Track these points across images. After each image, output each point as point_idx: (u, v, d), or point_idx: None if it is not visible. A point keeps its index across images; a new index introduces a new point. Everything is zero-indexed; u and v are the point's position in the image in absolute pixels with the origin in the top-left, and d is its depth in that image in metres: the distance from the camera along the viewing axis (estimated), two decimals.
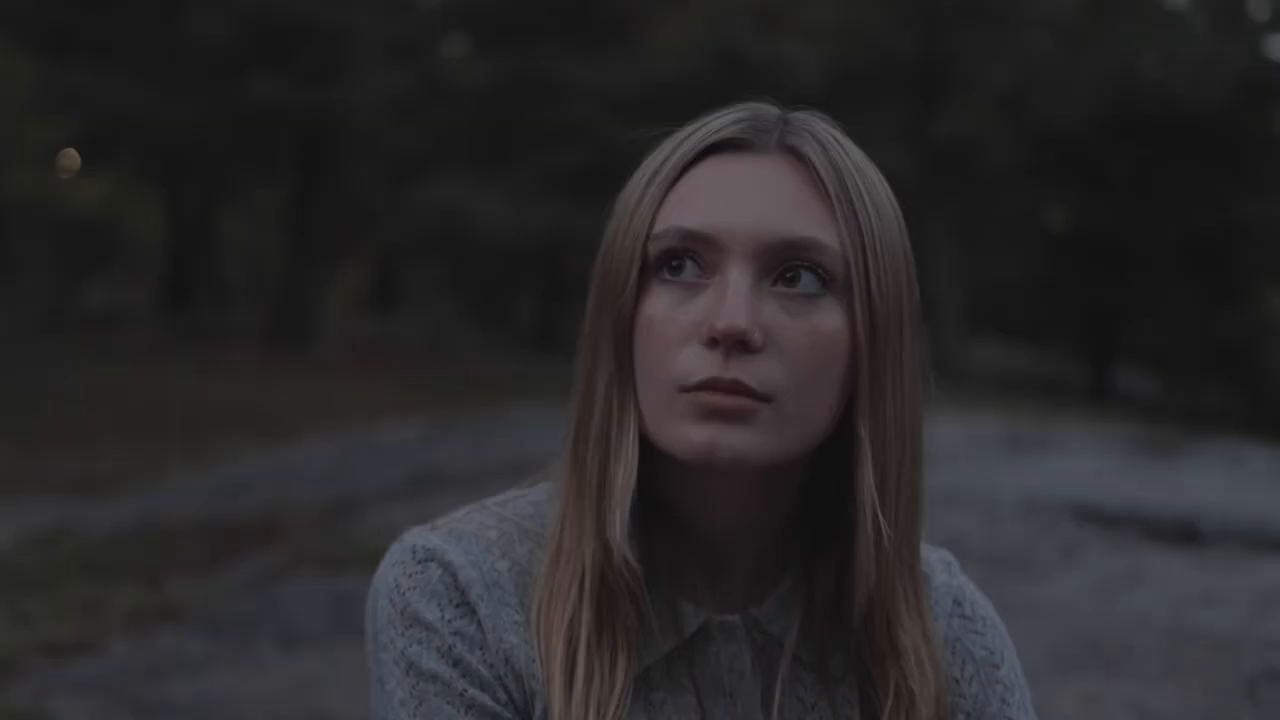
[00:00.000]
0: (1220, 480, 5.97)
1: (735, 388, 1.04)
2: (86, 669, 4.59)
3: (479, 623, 1.12)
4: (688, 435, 1.06)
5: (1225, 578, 4.34)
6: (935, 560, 1.26)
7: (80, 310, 28.78)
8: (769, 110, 1.16)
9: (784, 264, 1.07)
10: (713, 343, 1.05)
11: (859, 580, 1.10)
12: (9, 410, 14.05)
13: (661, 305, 1.09)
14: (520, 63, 24.74)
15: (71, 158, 26.51)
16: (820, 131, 1.13)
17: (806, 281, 1.07)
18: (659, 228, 1.10)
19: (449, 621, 1.12)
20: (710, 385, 1.05)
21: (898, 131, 25.47)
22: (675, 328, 1.07)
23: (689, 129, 1.16)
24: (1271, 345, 27.32)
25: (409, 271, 35.99)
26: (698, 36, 24.88)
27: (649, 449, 1.11)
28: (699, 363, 1.05)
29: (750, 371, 1.04)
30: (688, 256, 1.09)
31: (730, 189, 1.09)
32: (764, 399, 1.05)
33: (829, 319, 1.07)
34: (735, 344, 1.04)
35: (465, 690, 1.11)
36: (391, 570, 1.15)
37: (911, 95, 26.21)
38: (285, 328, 23.80)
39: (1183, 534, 4.92)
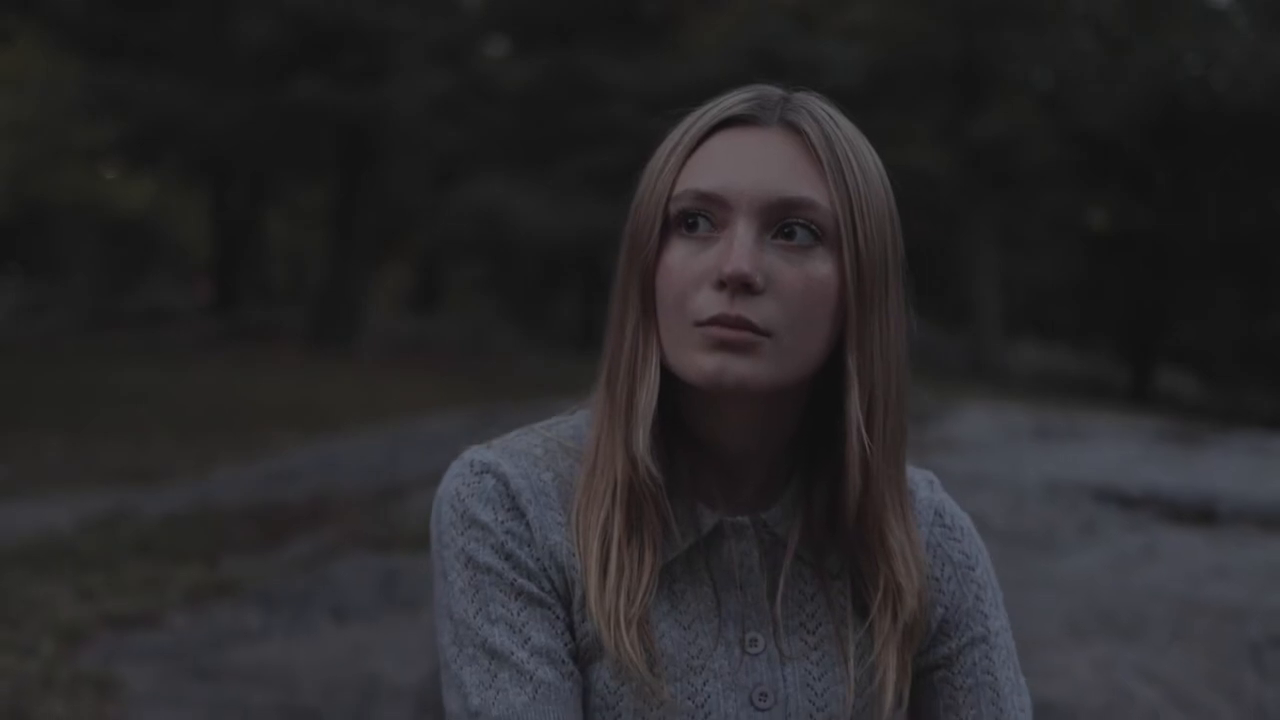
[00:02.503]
0: (1240, 466, 6.12)
1: (740, 323, 1.23)
2: (149, 639, 4.82)
3: (527, 524, 1.31)
4: (700, 363, 1.25)
5: (1237, 553, 4.51)
6: (919, 478, 1.44)
7: (127, 309, 29.13)
8: (773, 91, 1.36)
9: (782, 220, 1.27)
10: (721, 285, 1.24)
11: (848, 489, 1.29)
12: (62, 406, 14.36)
13: (679, 255, 1.28)
14: (560, 63, 24.92)
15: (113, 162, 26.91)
16: (816, 109, 1.33)
17: (801, 235, 1.26)
18: (678, 190, 1.29)
19: (501, 523, 1.31)
20: (719, 320, 1.23)
21: (938, 131, 25.52)
22: (690, 274, 1.26)
23: (704, 107, 1.35)
24: None
25: (449, 272, 36.22)
26: (736, 36, 24.98)
27: (671, 380, 1.30)
28: (710, 302, 1.24)
29: (753, 309, 1.24)
30: (701, 215, 1.28)
31: (737, 157, 1.28)
32: (764, 334, 1.24)
33: (820, 267, 1.26)
34: (740, 286, 1.23)
35: (515, 580, 1.30)
36: (453, 481, 1.34)
37: (952, 95, 26.23)
38: (330, 327, 24.07)
39: (1199, 514, 5.08)
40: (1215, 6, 28.82)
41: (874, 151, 1.34)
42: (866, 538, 1.33)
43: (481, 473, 1.33)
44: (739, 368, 1.24)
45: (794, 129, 1.30)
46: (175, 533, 6.64)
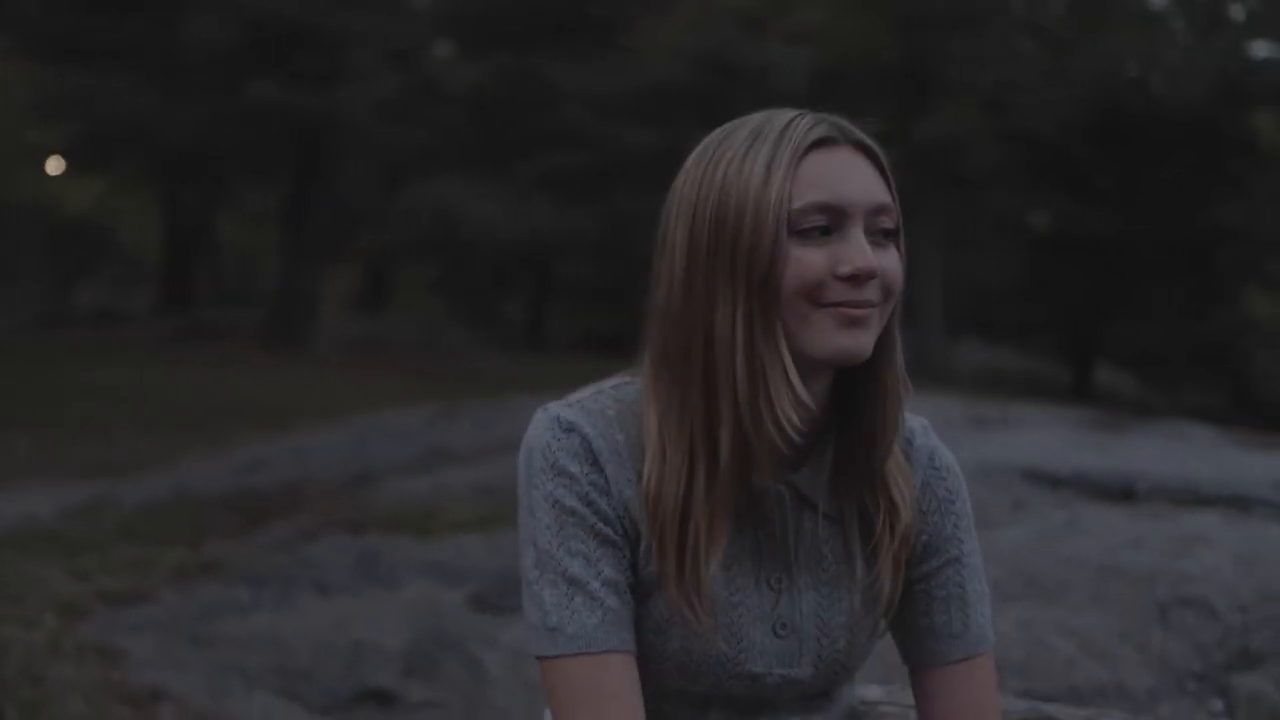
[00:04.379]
0: (1161, 450, 6.54)
1: (867, 305, 1.50)
2: (144, 613, 5.14)
3: (605, 478, 1.55)
4: (838, 340, 1.49)
5: (1152, 526, 4.91)
6: (915, 424, 1.70)
7: (79, 310, 29.19)
8: (827, 115, 1.60)
9: (875, 222, 1.54)
10: (851, 277, 1.49)
11: (880, 442, 1.56)
12: (27, 404, 14.57)
13: (810, 254, 1.49)
14: (510, 65, 25.16)
15: (59, 163, 26.95)
16: (862, 129, 1.59)
17: (886, 231, 1.55)
18: (799, 204, 1.50)
19: (585, 474, 1.55)
20: (853, 304, 1.49)
21: (881, 133, 25.90)
22: (823, 267, 1.49)
23: (773, 126, 1.55)
24: (1253, 345, 27.61)
25: (398, 272, 36.35)
26: (685, 40, 25.28)
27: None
28: (840, 290, 1.49)
29: (868, 292, 1.50)
30: (820, 221, 1.51)
31: (841, 172, 1.52)
32: (874, 305, 1.51)
33: (894, 256, 1.55)
34: (868, 275, 1.50)
35: (594, 524, 1.54)
36: (543, 434, 1.57)
37: (896, 97, 26.58)
38: (284, 326, 24.28)
39: (1120, 492, 5.49)
40: (1153, 9, 29.26)
41: None
42: (874, 479, 1.60)
43: (569, 430, 1.56)
44: (860, 339, 1.50)
45: (862, 148, 1.56)
46: (156, 519, 6.96)
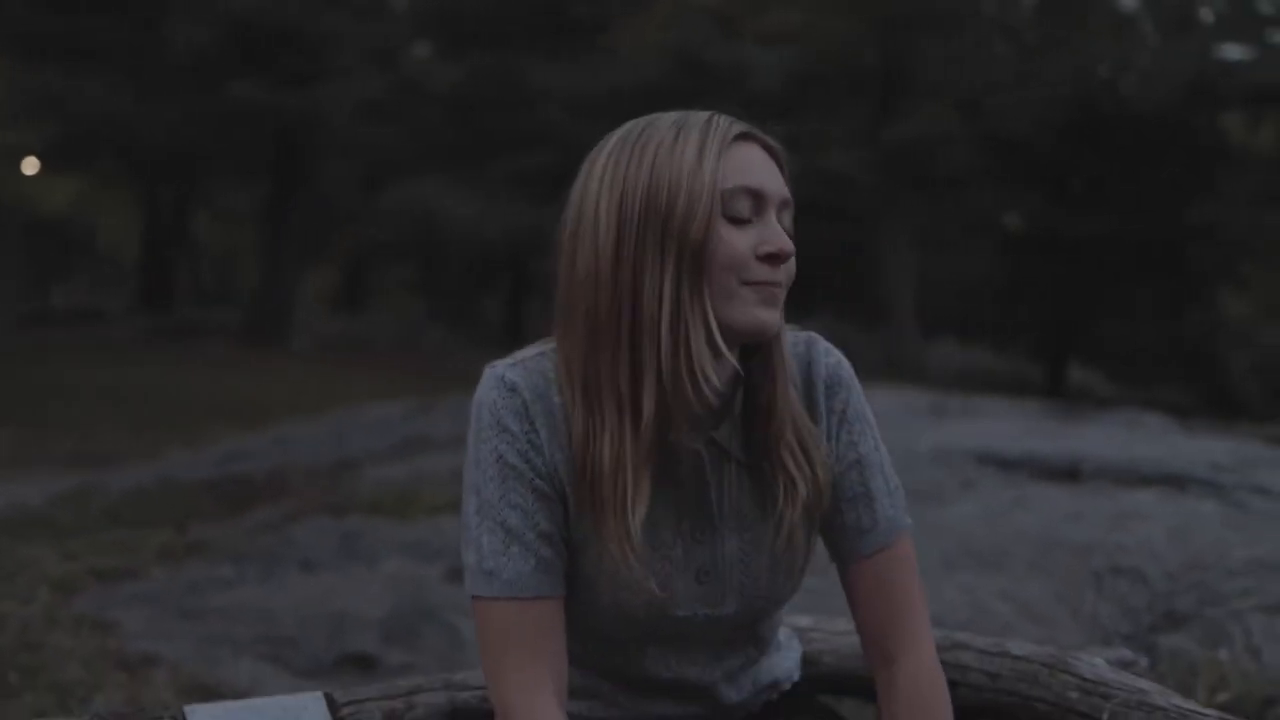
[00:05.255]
0: (1109, 436, 6.81)
1: (779, 285, 1.66)
2: (134, 589, 5.37)
3: (540, 439, 1.68)
4: (758, 315, 1.65)
5: (1092, 503, 5.18)
6: (802, 339, 1.82)
7: (58, 310, 29.28)
8: (723, 116, 1.72)
9: (783, 214, 1.70)
10: (769, 258, 1.65)
11: (776, 401, 1.71)
12: (6, 400, 14.75)
13: (735, 234, 1.64)
14: (488, 65, 25.33)
15: (34, 163, 27.04)
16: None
17: (786, 219, 1.70)
18: (729, 185, 1.65)
19: (525, 433, 1.68)
20: (772, 283, 1.65)
21: (856, 134, 26.12)
22: (745, 247, 1.64)
23: (697, 119, 1.69)
24: (1227, 345, 27.89)
25: (376, 272, 36.50)
26: (661, 40, 25.48)
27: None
28: (761, 270, 1.65)
29: (782, 273, 1.67)
30: (745, 209, 1.66)
31: (761, 164, 1.69)
32: (783, 287, 1.67)
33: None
34: (781, 259, 1.65)
35: (533, 479, 1.68)
36: (490, 392, 1.71)
37: (870, 98, 26.79)
38: (263, 325, 24.46)
39: (1066, 473, 5.76)
40: (1124, 11, 29.50)
41: None
42: (785, 434, 1.72)
43: (511, 390, 1.70)
44: (775, 316, 1.67)
45: (768, 148, 1.71)
46: (142, 505, 7.19)
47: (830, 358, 1.82)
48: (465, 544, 1.72)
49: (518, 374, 1.72)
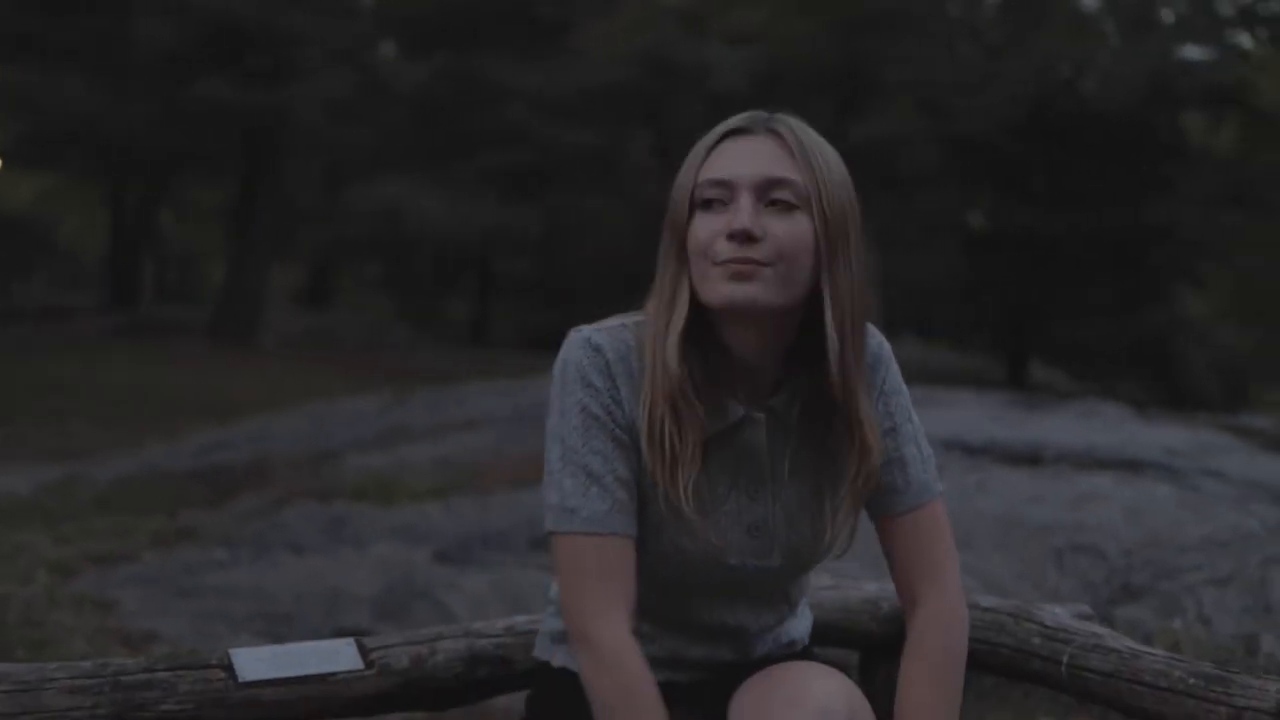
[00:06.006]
0: (1069, 424, 7.06)
1: (746, 260, 1.81)
2: (129, 571, 5.55)
3: (621, 395, 1.88)
4: (721, 290, 1.82)
5: (1052, 485, 5.42)
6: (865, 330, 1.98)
7: (24, 306, 29.24)
8: (762, 112, 1.93)
9: (771, 193, 1.85)
10: (732, 237, 1.82)
11: (832, 380, 1.87)
12: None
13: (703, 222, 1.86)
14: (455, 65, 25.46)
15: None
16: (791, 122, 1.91)
17: (783, 200, 1.84)
18: (700, 180, 1.87)
19: (607, 389, 1.87)
20: (732, 260, 1.82)
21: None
22: (711, 231, 1.84)
23: (720, 126, 1.92)
24: (1185, 344, 28.13)
25: (342, 270, 36.54)
26: (628, 40, 25.64)
27: (706, 310, 1.86)
28: (725, 249, 1.82)
29: (754, 250, 1.82)
30: (716, 195, 1.86)
31: (738, 154, 1.87)
32: (765, 264, 1.81)
33: (800, 223, 1.84)
34: (744, 237, 1.81)
35: (613, 429, 1.87)
36: (576, 351, 1.90)
37: (833, 98, 26.97)
38: (231, 322, 24.51)
39: (1027, 458, 6.00)
40: (1085, 12, 29.76)
41: (834, 149, 1.98)
42: (846, 412, 1.90)
43: (596, 350, 1.89)
44: (747, 290, 1.82)
45: (775, 134, 1.88)
46: (129, 493, 7.35)
47: (874, 339, 2.02)
48: (548, 486, 1.90)
49: (602, 338, 1.91)
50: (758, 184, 1.85)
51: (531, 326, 29.18)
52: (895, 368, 2.05)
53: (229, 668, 2.15)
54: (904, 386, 2.06)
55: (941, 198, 27.77)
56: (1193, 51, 28.52)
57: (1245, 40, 29.70)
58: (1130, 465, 5.71)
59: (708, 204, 1.87)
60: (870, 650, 2.57)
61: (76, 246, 37.18)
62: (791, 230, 1.84)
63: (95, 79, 22.99)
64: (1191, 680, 2.12)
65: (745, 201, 1.84)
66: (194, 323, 25.77)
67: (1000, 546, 4.71)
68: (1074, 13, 29.18)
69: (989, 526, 4.91)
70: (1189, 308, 29.94)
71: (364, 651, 2.24)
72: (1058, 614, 2.43)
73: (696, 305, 1.88)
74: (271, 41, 23.54)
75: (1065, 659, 2.31)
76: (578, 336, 1.93)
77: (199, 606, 4.92)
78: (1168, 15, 29.28)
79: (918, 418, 2.08)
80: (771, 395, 1.94)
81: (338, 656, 2.22)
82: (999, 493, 5.35)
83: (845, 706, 1.84)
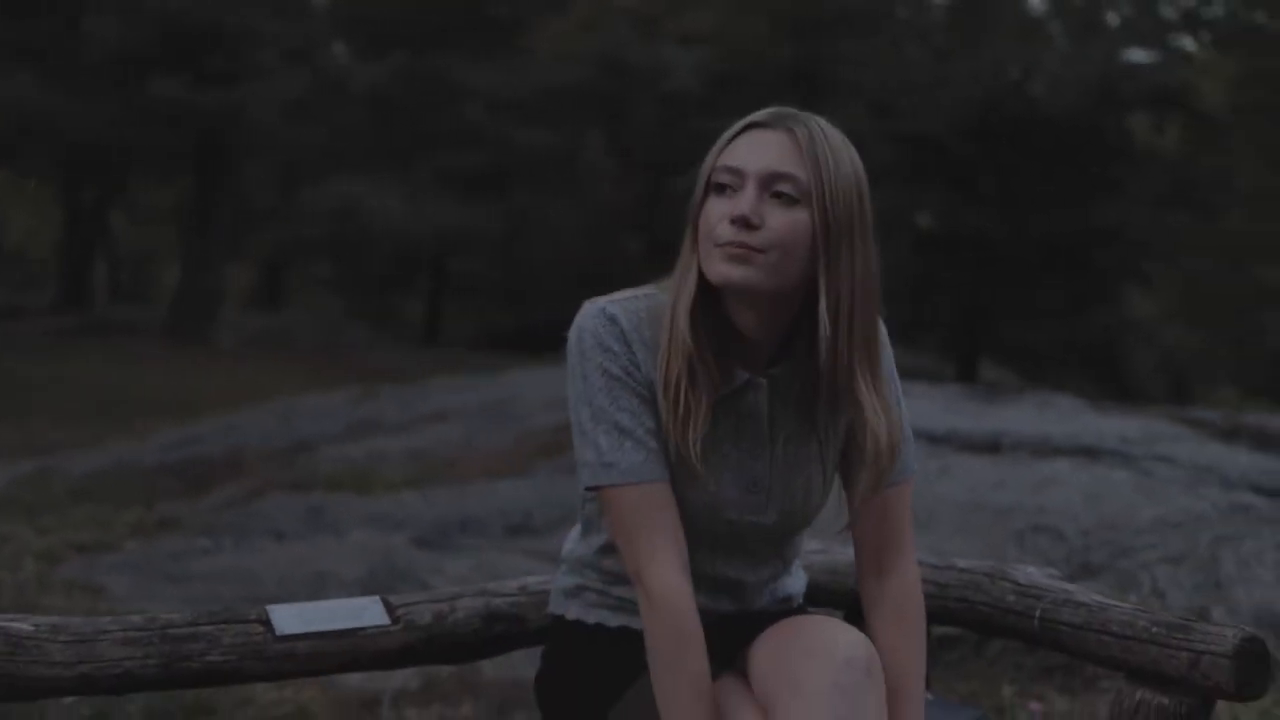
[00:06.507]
0: (1026, 414, 7.27)
1: (743, 245, 1.98)
2: (114, 559, 5.67)
3: (638, 357, 2.04)
4: (720, 270, 1.99)
5: (1013, 471, 5.62)
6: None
7: None
8: (788, 109, 2.08)
9: (774, 185, 2.00)
10: (734, 222, 1.98)
11: (821, 360, 2.03)
12: None
13: (713, 204, 2.02)
14: (410, 65, 25.53)
15: None
16: (810, 120, 2.06)
17: (785, 194, 2.00)
18: (717, 165, 2.03)
19: (625, 352, 2.03)
20: (731, 243, 1.99)
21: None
22: (718, 214, 2.00)
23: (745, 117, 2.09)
24: (1133, 344, 28.50)
25: (294, 270, 36.48)
26: (582, 41, 25.78)
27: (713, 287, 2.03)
28: (727, 231, 1.99)
29: (753, 237, 1.98)
30: (728, 180, 2.03)
31: (751, 146, 2.02)
32: (760, 251, 1.97)
33: (799, 215, 1.99)
34: (744, 223, 1.98)
35: (636, 387, 2.03)
36: (592, 321, 2.05)
37: (785, 98, 27.10)
38: (186, 322, 24.50)
39: (987, 446, 6.20)
40: (1032, 15, 30.08)
41: (851, 148, 2.08)
42: (838, 396, 2.07)
43: (611, 319, 2.05)
44: (741, 272, 1.99)
45: (791, 131, 2.03)
46: (105, 486, 7.46)
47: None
48: (582, 446, 2.06)
49: (616, 308, 2.07)
50: (763, 176, 2.00)
51: (486, 327, 29.29)
52: (890, 351, 2.23)
53: (267, 622, 2.32)
54: (895, 373, 2.22)
55: (891, 198, 27.93)
56: (1138, 54, 28.87)
57: (1188, 43, 30.15)
58: (1086, 452, 5.92)
59: (720, 188, 2.03)
60: (854, 609, 2.75)
61: (22, 247, 36.97)
62: (789, 222, 1.99)
63: (48, 78, 22.92)
64: (1155, 629, 2.30)
65: (750, 190, 2.00)
66: (149, 323, 25.73)
67: (963, 529, 4.91)
68: (1022, 16, 29.50)
69: (952, 511, 5.10)
70: (1136, 308, 30.25)
71: (390, 608, 2.40)
72: (1030, 573, 2.61)
73: (704, 280, 2.03)
74: (225, 41, 23.53)
75: (1038, 614, 2.49)
76: (592, 308, 2.08)
77: (187, 591, 5.05)
78: (1113, 19, 29.67)
79: (905, 401, 2.23)
80: (769, 364, 2.11)
81: (366, 613, 2.38)
82: (961, 479, 5.55)
83: (865, 656, 1.98)
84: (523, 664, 4.25)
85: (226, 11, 22.95)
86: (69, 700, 4.03)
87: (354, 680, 4.23)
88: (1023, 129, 25.95)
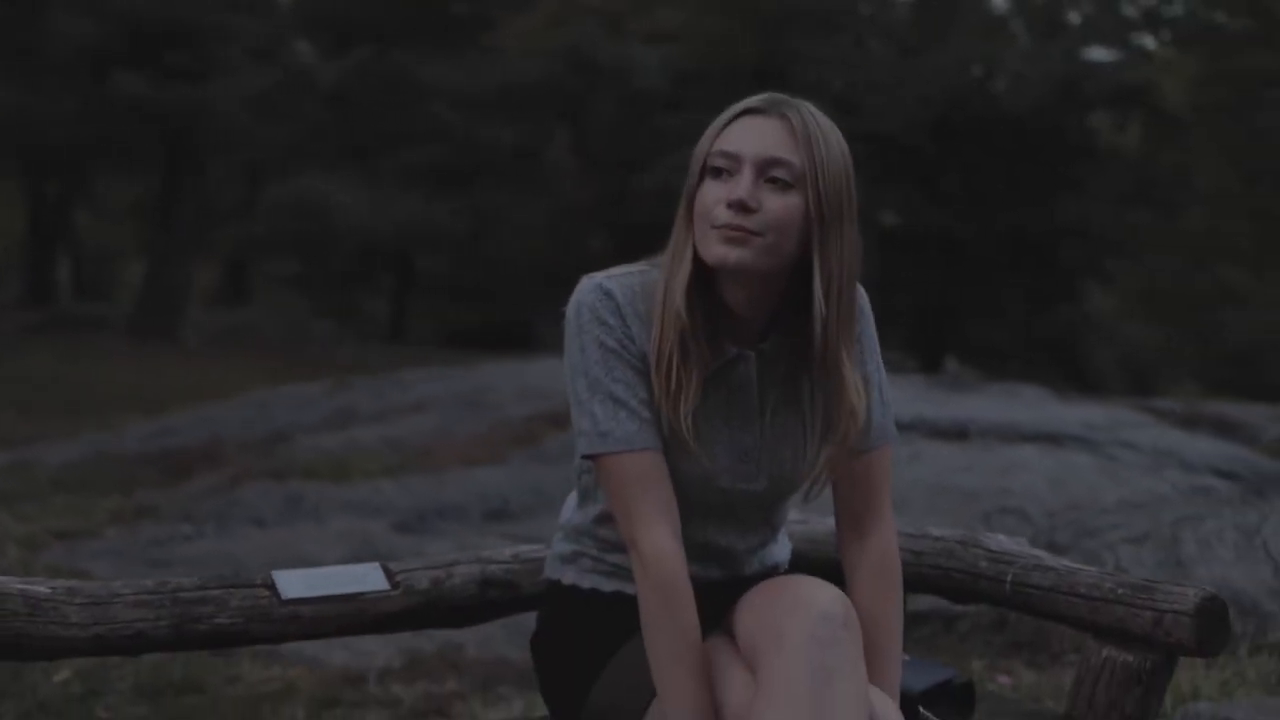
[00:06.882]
0: (992, 403, 7.41)
1: (740, 228, 2.05)
2: (96, 545, 5.75)
3: (632, 330, 2.11)
4: (716, 250, 2.07)
5: (980, 457, 5.75)
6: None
7: None
8: (780, 95, 2.18)
9: (769, 170, 2.08)
10: (730, 205, 2.06)
11: (815, 336, 2.11)
12: None
13: (710, 187, 2.10)
14: (374, 61, 25.56)
15: None
16: (801, 107, 2.15)
17: (780, 179, 2.08)
18: (713, 150, 2.10)
19: (620, 326, 2.11)
20: (727, 225, 2.06)
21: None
22: (715, 197, 2.08)
23: (739, 104, 2.16)
24: (1094, 342, 28.53)
25: (257, 267, 36.42)
26: (548, 38, 25.85)
27: (707, 268, 2.11)
28: (724, 214, 2.06)
29: (748, 220, 2.05)
30: (724, 165, 2.10)
31: (746, 131, 2.11)
32: (756, 234, 2.05)
33: (793, 199, 2.07)
34: (740, 206, 2.05)
35: (631, 360, 2.11)
36: (589, 295, 2.13)
37: (750, 95, 27.20)
38: (151, 319, 24.47)
39: (955, 433, 6.33)
40: (995, 13, 30.26)
41: (839, 134, 2.17)
42: (829, 370, 2.14)
43: (607, 294, 2.13)
44: (738, 253, 2.06)
45: (785, 118, 2.11)
46: (83, 476, 7.52)
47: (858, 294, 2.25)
48: (579, 416, 2.14)
49: (612, 283, 2.15)
50: (760, 161, 2.08)
51: (450, 325, 29.29)
52: (871, 319, 2.31)
53: (272, 587, 2.42)
54: (876, 340, 2.31)
55: (858, 196, 28.04)
56: (1099, 53, 29.06)
57: (1149, 42, 30.37)
58: (1051, 438, 6.06)
59: (716, 172, 2.11)
60: (834, 578, 2.86)
61: None
62: (784, 206, 2.08)
63: (10, 74, 22.86)
64: (1120, 590, 2.42)
65: (747, 175, 2.07)
66: (113, 320, 25.70)
67: (932, 511, 5.03)
68: (985, 14, 29.67)
69: (922, 494, 5.22)
70: (1099, 306, 30.45)
71: (389, 574, 2.50)
72: (1001, 540, 2.73)
73: (699, 260, 2.11)
74: (191, 38, 23.52)
75: (1009, 578, 2.61)
76: (589, 283, 2.16)
77: (173, 576, 5.12)
78: (1074, 17, 29.87)
79: (884, 369, 2.34)
80: (758, 339, 2.19)
81: (367, 578, 2.48)
82: (930, 464, 5.68)
83: (843, 611, 2.07)
84: (504, 642, 4.37)
85: (192, 8, 22.94)
86: (60, 677, 4.12)
87: (339, 658, 4.32)
88: (986, 127, 26.05)
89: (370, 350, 23.68)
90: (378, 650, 4.39)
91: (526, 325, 28.20)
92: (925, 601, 4.28)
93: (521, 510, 5.62)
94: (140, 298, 25.85)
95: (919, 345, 29.01)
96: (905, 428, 6.55)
